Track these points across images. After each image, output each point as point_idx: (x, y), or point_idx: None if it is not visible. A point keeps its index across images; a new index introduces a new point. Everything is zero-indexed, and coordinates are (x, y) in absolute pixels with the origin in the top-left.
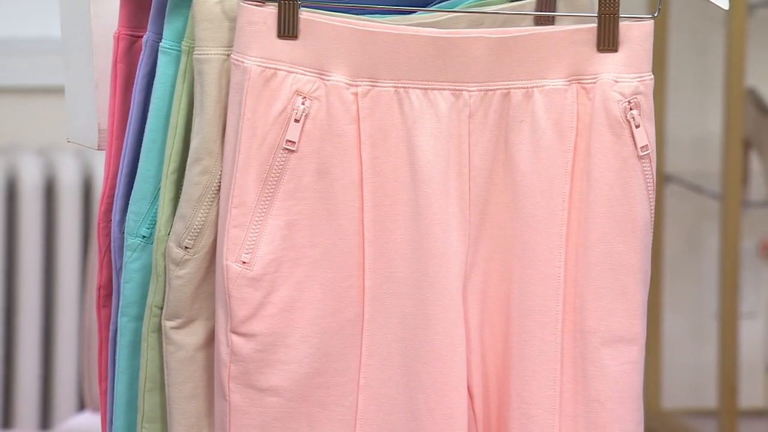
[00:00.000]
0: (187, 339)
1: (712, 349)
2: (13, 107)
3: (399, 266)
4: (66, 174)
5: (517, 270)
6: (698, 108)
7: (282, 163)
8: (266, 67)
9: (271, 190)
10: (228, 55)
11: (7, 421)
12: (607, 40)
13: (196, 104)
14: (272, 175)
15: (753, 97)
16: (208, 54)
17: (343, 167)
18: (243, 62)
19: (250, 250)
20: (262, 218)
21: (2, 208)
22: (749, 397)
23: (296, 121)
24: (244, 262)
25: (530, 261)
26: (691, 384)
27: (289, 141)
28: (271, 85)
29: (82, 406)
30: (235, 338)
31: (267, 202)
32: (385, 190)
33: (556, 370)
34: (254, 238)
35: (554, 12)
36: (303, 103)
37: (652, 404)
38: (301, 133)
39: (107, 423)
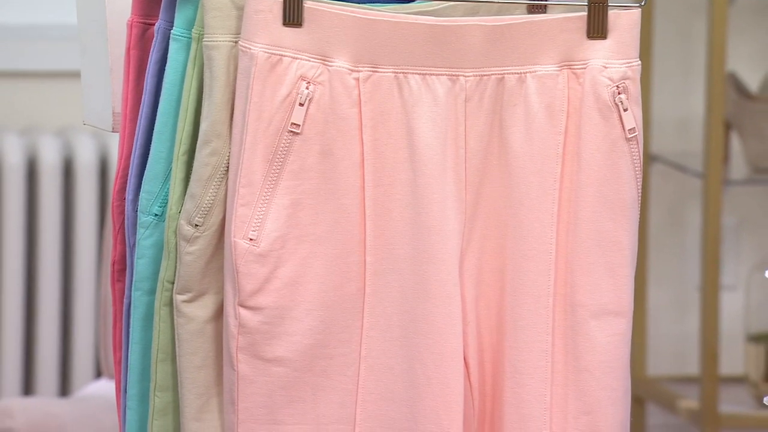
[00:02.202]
0: (197, 312)
1: (695, 320)
2: (33, 90)
3: (399, 243)
4: (83, 154)
5: (511, 246)
6: (682, 91)
7: (287, 144)
8: (272, 54)
9: (277, 171)
10: (236, 42)
11: (29, 388)
12: (597, 27)
13: (206, 89)
14: (278, 156)
15: (733, 80)
16: (217, 41)
17: (346, 149)
18: (250, 49)
19: (257, 228)
20: (268, 197)
21: (23, 187)
22: (730, 364)
23: (301, 104)
24: (251, 239)
25: (523, 238)
26: (675, 352)
27: (294, 124)
28: (277, 70)
29: (98, 373)
30: (242, 311)
31: (273, 182)
32: (385, 171)
33: (547, 342)
34: (261, 216)
35: (546, 0)
36: (307, 88)
37: (638, 371)
38: (305, 116)
39: (122, 391)
